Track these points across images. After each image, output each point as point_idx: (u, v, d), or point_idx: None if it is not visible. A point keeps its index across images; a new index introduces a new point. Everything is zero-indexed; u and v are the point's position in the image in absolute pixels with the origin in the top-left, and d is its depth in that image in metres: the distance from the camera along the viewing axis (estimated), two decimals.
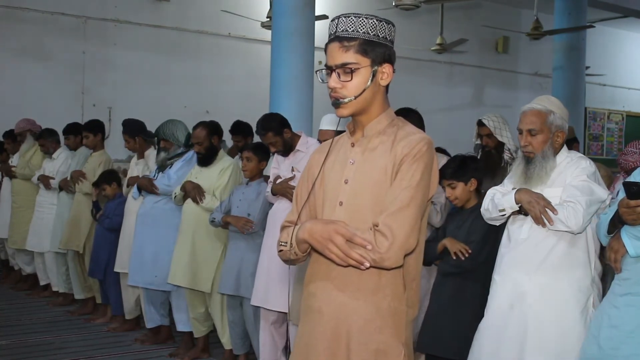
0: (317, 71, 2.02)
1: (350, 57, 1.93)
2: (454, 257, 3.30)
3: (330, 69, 1.97)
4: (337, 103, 1.97)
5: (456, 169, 3.46)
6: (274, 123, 4.21)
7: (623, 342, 2.52)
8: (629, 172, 4.20)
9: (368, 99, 1.97)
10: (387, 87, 2.03)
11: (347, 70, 1.93)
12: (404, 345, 1.98)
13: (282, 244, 2.01)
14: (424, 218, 1.98)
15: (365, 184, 1.97)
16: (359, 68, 1.93)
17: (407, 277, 2.00)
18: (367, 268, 1.86)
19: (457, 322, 3.26)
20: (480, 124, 4.24)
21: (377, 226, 1.86)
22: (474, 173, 3.47)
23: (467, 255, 3.27)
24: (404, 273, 1.99)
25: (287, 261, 2.03)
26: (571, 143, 5.38)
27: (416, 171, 1.90)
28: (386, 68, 1.97)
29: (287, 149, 4.23)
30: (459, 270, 3.32)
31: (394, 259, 1.85)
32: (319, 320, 2.00)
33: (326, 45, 1.99)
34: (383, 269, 1.90)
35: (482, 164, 3.79)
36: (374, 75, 1.95)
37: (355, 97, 1.95)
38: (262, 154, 4.38)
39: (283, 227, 2.09)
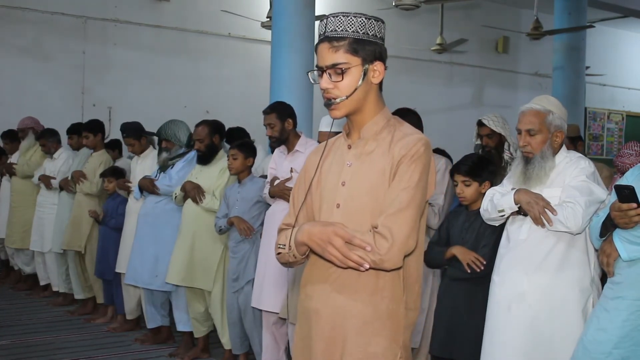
0: (309, 72, 2.01)
1: (340, 57, 1.91)
2: (468, 270, 3.20)
3: (321, 70, 1.95)
4: (329, 104, 1.96)
5: (473, 166, 3.39)
6: (283, 107, 4.22)
7: (616, 347, 2.50)
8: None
9: (361, 98, 1.96)
10: (380, 85, 2.01)
11: (338, 70, 1.92)
12: (401, 347, 1.96)
13: (281, 246, 1.99)
14: (422, 218, 1.98)
15: (363, 186, 1.95)
16: (349, 68, 1.92)
17: (408, 279, 1.99)
18: (367, 269, 1.85)
19: (470, 326, 3.20)
20: (480, 124, 4.23)
21: (376, 228, 1.85)
22: (489, 175, 3.42)
23: (482, 267, 3.18)
24: (405, 275, 1.97)
25: (286, 264, 2.02)
26: (576, 141, 5.34)
27: (414, 172, 1.89)
28: (377, 66, 1.95)
29: (281, 140, 4.19)
30: (470, 277, 3.23)
31: (393, 260, 1.84)
32: (316, 321, 1.99)
33: (316, 45, 1.98)
34: (383, 270, 1.89)
35: (497, 168, 3.70)
36: (365, 74, 1.94)
37: (347, 97, 1.93)
38: (248, 150, 4.36)
39: (280, 230, 2.07)
